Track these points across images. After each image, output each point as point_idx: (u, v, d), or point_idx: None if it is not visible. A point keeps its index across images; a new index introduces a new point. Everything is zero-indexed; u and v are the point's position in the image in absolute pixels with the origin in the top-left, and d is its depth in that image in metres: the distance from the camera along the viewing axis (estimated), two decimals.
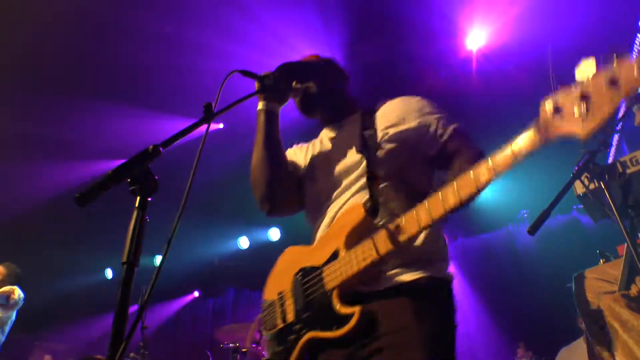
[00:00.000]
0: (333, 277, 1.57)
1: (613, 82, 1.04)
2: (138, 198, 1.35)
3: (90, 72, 5.48)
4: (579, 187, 2.75)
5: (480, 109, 5.67)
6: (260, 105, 1.93)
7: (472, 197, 1.34)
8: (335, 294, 1.54)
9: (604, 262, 2.65)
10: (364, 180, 1.71)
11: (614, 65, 1.05)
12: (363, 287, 1.57)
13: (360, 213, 1.59)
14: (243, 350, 3.67)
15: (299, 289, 1.68)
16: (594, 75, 1.07)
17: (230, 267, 7.68)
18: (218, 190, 6.16)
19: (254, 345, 3.76)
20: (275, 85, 1.88)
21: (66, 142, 6.28)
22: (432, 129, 1.72)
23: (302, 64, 2.01)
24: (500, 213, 6.12)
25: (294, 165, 2.00)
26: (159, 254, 8.04)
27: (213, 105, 1.71)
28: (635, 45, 4.86)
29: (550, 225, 5.78)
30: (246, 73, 1.87)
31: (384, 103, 1.88)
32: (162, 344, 7.55)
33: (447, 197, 1.36)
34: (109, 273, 7.99)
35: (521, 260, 5.74)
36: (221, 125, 6.18)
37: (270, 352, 1.75)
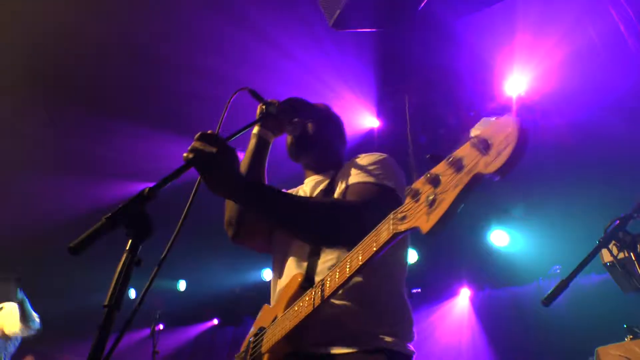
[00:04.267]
0: (267, 339, 1.57)
1: (458, 165, 0.88)
2: (130, 241, 1.34)
3: (132, 96, 5.67)
4: (606, 256, 2.58)
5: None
6: (255, 130, 1.93)
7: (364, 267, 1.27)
8: (265, 357, 1.53)
9: (631, 339, 2.46)
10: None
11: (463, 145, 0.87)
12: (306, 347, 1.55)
13: (296, 283, 1.61)
14: None
15: (249, 348, 1.71)
16: (449, 156, 0.90)
17: (251, 297, 7.64)
18: None
19: None
20: (277, 115, 1.86)
21: (100, 161, 6.46)
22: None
23: (309, 104, 1.99)
24: (532, 266, 5.87)
25: None
26: (182, 279, 8.09)
27: (217, 127, 1.72)
28: None
29: (583, 284, 5.49)
30: (254, 94, 1.87)
31: (350, 160, 1.85)
32: None
33: (344, 268, 1.32)
34: (132, 293, 8.10)
35: (549, 318, 5.44)
36: None
37: None
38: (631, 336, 2.51)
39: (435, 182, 0.94)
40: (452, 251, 6.25)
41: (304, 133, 1.92)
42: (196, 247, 7.17)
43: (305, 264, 1.69)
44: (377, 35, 4.38)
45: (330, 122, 2.02)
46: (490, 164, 0.83)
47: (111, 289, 1.27)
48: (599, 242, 2.01)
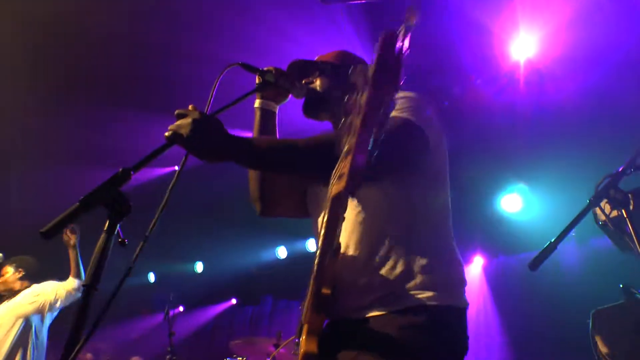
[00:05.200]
0: (304, 309, 1.51)
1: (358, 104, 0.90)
2: (107, 222, 1.37)
3: (140, 86, 5.72)
4: (599, 215, 2.53)
5: (527, 127, 5.42)
6: (257, 103, 1.91)
7: None
8: (304, 329, 1.43)
9: (627, 299, 2.41)
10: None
11: None
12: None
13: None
14: None
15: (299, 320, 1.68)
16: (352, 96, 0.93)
17: (268, 275, 7.75)
18: None
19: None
20: (275, 82, 1.82)
21: (115, 150, 6.56)
22: None
23: (313, 62, 1.91)
24: (546, 231, 5.79)
25: None
26: (198, 260, 8.24)
27: (207, 105, 1.70)
28: None
29: (599, 246, 5.42)
30: (247, 66, 1.82)
31: None
32: (197, 350, 7.74)
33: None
34: (151, 277, 8.33)
35: (566, 282, 5.40)
36: None
37: None
38: (627, 296, 2.46)
39: (350, 127, 0.86)
40: (463, 219, 6.22)
41: (312, 92, 1.84)
42: (211, 228, 7.28)
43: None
44: (369, 7, 4.30)
45: (342, 69, 1.84)
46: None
47: (89, 269, 1.30)
48: (589, 201, 1.96)
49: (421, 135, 1.51)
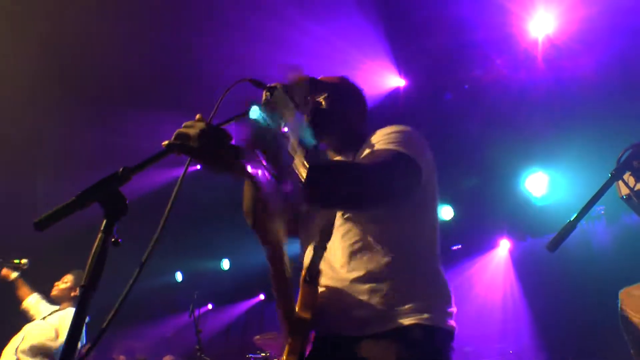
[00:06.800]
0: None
1: None
2: (104, 221, 1.35)
3: (160, 86, 5.78)
4: (623, 188, 2.40)
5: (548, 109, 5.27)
6: None
7: None
8: (286, 349, 1.57)
9: None
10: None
11: None
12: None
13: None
14: None
15: None
16: None
17: (295, 269, 7.75)
18: None
19: None
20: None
21: (138, 151, 6.64)
22: None
23: (320, 81, 1.91)
24: (575, 210, 5.61)
25: None
26: (225, 258, 8.30)
27: (210, 116, 1.70)
28: None
29: (632, 223, 5.24)
30: (255, 82, 1.84)
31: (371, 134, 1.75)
32: (228, 346, 7.83)
33: None
34: (178, 276, 8.44)
35: (597, 262, 5.24)
36: None
37: None
38: None
39: None
40: (489, 203, 6.10)
41: (317, 110, 1.85)
42: (236, 226, 7.31)
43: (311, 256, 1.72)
44: None
45: (347, 95, 1.92)
46: None
47: (86, 270, 1.28)
48: (611, 174, 1.84)
49: (413, 168, 1.57)
